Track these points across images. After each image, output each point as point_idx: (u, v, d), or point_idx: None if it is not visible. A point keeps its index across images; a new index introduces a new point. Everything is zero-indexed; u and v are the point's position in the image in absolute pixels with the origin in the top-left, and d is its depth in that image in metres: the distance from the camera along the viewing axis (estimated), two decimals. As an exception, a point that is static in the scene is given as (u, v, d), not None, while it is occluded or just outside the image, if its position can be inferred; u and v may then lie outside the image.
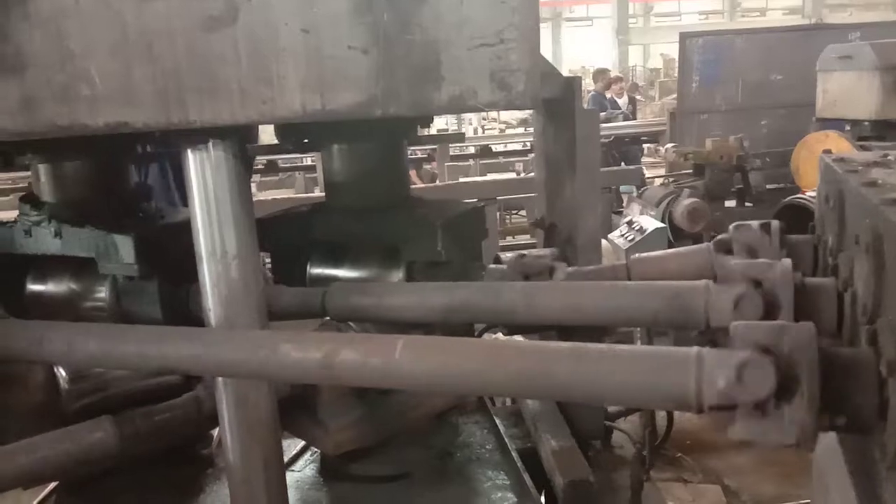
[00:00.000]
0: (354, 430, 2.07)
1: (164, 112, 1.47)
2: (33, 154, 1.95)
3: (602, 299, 1.53)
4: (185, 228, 2.08)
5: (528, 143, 12.82)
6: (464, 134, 6.60)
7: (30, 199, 1.98)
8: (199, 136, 1.56)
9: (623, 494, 2.10)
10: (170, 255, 1.94)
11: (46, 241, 1.94)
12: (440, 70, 1.56)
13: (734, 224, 1.76)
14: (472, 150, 13.31)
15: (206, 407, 1.92)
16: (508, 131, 17.43)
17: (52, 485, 2.25)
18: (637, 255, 1.88)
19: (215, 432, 2.47)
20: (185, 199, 2.40)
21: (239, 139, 1.61)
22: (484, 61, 1.58)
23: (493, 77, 1.59)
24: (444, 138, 5.99)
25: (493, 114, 23.91)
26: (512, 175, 10.73)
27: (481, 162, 12.41)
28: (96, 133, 1.47)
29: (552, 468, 2.10)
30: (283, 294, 1.90)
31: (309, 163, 11.86)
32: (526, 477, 2.17)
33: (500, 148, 13.78)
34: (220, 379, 1.72)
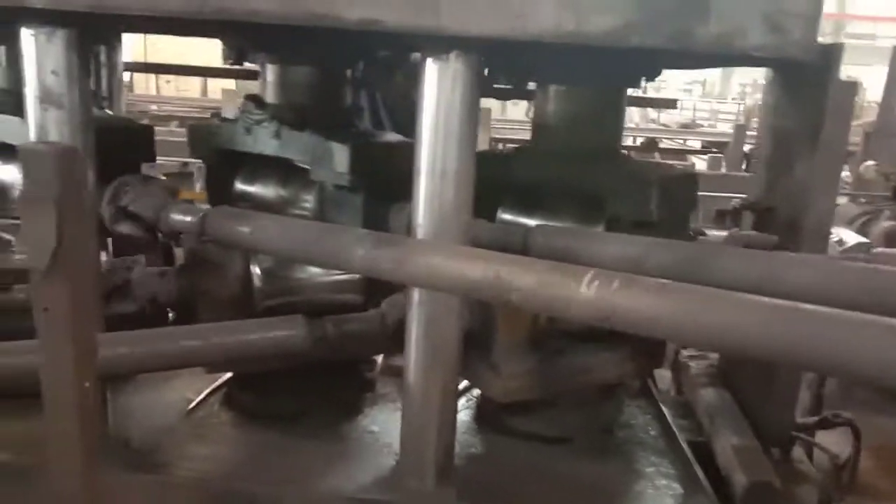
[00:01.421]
0: (525, 379, 2.00)
1: (417, 15, 1.45)
2: (267, 53, 2.01)
3: (857, 281, 1.35)
4: (397, 148, 2.10)
5: (700, 142, 12.17)
6: (676, 100, 6.23)
7: (254, 98, 2.05)
8: (443, 45, 1.53)
9: (807, 510, 1.90)
10: (378, 172, 1.95)
11: (265, 140, 2.00)
12: (709, 2, 1.42)
13: None
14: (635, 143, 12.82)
15: (389, 325, 1.92)
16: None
17: (225, 377, 2.36)
18: (880, 248, 1.67)
19: (379, 358, 2.51)
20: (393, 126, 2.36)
21: (480, 56, 1.56)
22: (759, -1, 1.43)
23: (767, 18, 1.44)
24: (655, 102, 5.63)
25: (653, 115, 22.95)
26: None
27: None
28: (348, 27, 1.47)
29: (731, 466, 1.93)
30: (483, 228, 1.84)
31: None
32: (698, 470, 2.02)
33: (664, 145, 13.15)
34: (414, 297, 1.70)
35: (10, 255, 2.17)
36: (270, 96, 2.06)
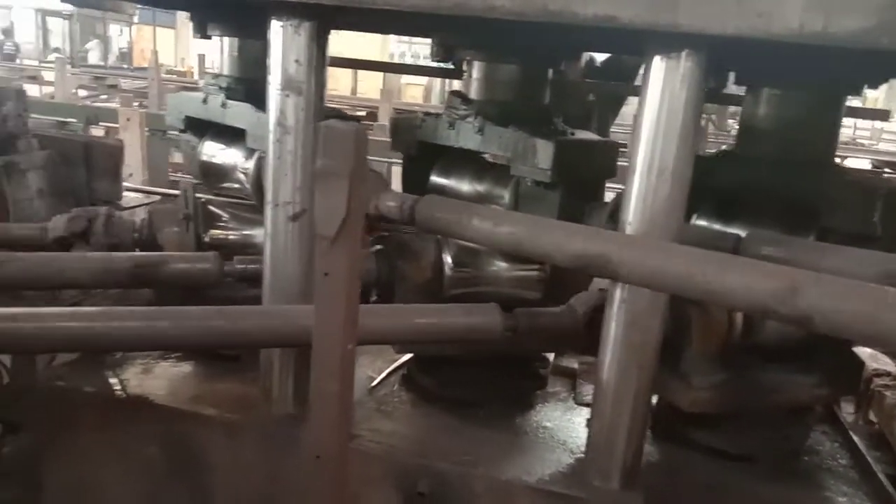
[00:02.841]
0: (715, 392, 1.95)
1: (654, 11, 1.44)
2: (475, 52, 2.08)
3: None
4: (597, 147, 2.10)
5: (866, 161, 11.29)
6: (888, 112, 5.71)
7: (460, 94, 2.13)
8: (676, 43, 1.52)
9: None
10: (578, 169, 1.96)
11: (467, 135, 2.07)
12: (981, 2, 1.32)
13: None
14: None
15: (579, 322, 1.93)
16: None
17: (403, 359, 2.46)
18: None
19: (551, 356, 2.52)
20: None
21: (711, 55, 1.54)
22: None
23: None
24: (867, 113, 5.08)
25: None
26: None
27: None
28: (582, 23, 1.49)
29: (945, 505, 1.78)
30: (690, 231, 1.81)
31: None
32: (901, 505, 1.88)
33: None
34: (616, 295, 1.69)
35: (225, 230, 2.38)
36: (475, 93, 2.13)
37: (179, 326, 1.50)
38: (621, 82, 3.15)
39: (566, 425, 2.21)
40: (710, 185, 2.07)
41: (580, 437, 2.12)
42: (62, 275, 1.97)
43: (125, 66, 23.77)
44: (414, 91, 22.67)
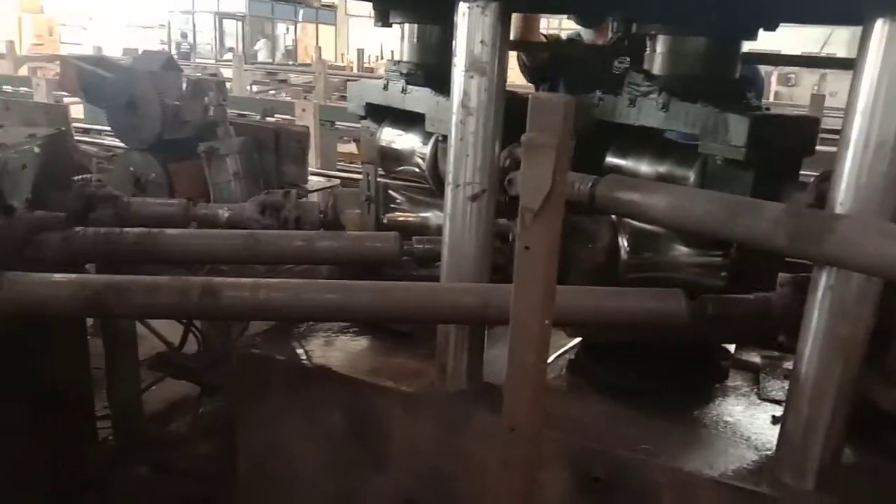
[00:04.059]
0: (928, 394, 1.75)
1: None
2: (662, 24, 2.00)
3: None
4: (796, 123, 1.96)
5: None
6: None
7: (642, 70, 2.05)
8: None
9: None
10: (773, 147, 1.83)
11: (650, 112, 1.99)
12: None
13: None
14: None
15: (774, 313, 1.80)
16: None
17: (571, 343, 2.43)
18: None
19: (731, 347, 2.39)
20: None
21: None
22: None
23: None
24: None
25: None
26: None
27: None
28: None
29: None
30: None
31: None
32: None
33: None
34: (822, 281, 1.56)
35: (401, 211, 2.47)
36: (658, 68, 2.04)
37: (376, 300, 1.58)
38: None
39: (749, 421, 2.08)
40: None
41: (765, 433, 1.99)
42: (260, 251, 2.14)
43: (290, 62, 25.39)
44: (564, 76, 22.35)
